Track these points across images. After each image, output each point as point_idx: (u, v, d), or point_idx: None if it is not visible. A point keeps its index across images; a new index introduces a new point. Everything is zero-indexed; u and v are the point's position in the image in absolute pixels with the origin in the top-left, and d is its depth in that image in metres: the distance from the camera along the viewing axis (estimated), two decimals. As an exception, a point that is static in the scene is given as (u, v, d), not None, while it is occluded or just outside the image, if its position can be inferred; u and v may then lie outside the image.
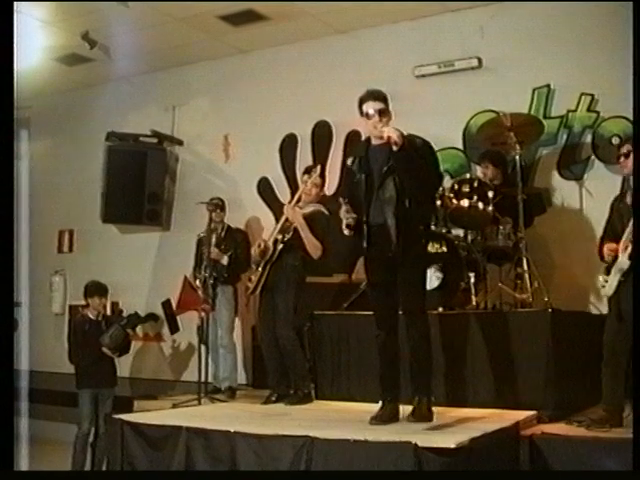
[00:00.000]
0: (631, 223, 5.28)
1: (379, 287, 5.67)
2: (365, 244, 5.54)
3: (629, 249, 5.28)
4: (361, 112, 5.68)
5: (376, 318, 5.69)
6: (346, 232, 5.57)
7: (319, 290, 7.73)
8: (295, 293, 6.94)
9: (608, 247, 5.48)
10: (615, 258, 5.42)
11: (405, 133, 5.47)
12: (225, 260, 8.10)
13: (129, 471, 5.43)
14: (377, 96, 5.66)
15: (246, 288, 7.32)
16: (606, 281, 5.47)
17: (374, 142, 5.66)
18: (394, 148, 5.34)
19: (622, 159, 5.65)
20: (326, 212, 6.98)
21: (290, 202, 7.20)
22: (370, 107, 5.59)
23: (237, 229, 8.53)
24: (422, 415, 5.40)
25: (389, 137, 5.32)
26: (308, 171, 7.22)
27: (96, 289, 8.29)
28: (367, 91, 5.73)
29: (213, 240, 8.27)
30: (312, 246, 6.82)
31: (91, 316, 8.20)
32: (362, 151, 5.74)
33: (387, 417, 5.43)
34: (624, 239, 5.34)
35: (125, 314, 9.32)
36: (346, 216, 5.53)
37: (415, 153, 5.45)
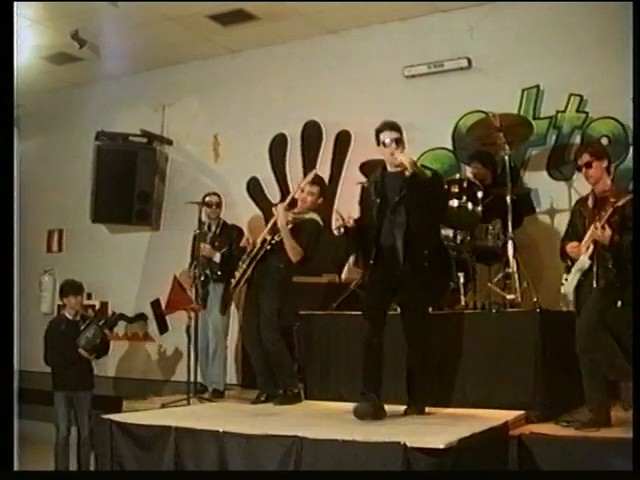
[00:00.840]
0: (592, 225, 5.40)
1: (378, 298, 6.01)
2: (372, 262, 5.93)
3: (590, 249, 5.43)
4: (378, 142, 6.05)
5: (365, 320, 5.97)
6: (336, 232, 6.09)
7: (308, 290, 7.73)
8: (279, 295, 6.94)
9: (571, 245, 5.61)
10: (572, 260, 5.59)
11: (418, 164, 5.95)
12: (217, 257, 8.08)
13: (130, 471, 5.40)
14: (393, 126, 6.02)
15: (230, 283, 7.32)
16: (566, 280, 5.62)
17: (390, 169, 6.07)
18: (406, 173, 5.82)
19: (584, 170, 5.74)
20: (320, 222, 7.00)
21: (281, 202, 7.19)
22: (387, 136, 5.99)
23: (233, 225, 8.49)
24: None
25: (402, 162, 5.80)
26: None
27: (71, 288, 8.07)
28: (384, 122, 6.08)
29: (209, 235, 8.29)
30: (291, 249, 6.82)
31: (68, 316, 7.99)
32: (378, 177, 6.12)
33: (367, 411, 5.63)
34: (586, 240, 5.46)
35: (113, 314, 9.32)
36: (347, 220, 5.98)
37: (425, 182, 5.82)
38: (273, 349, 6.87)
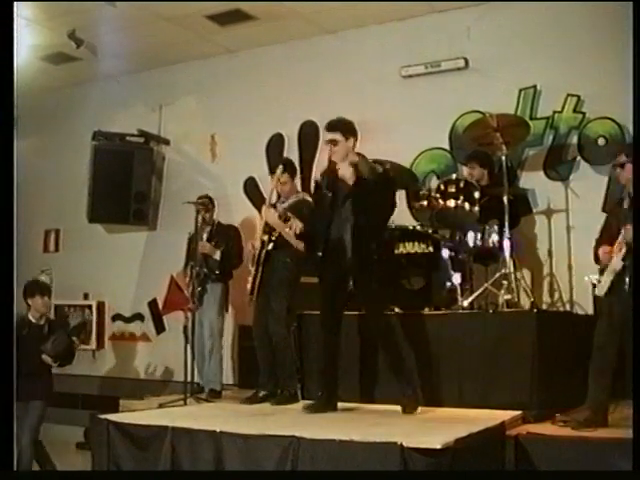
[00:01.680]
0: (627, 227, 5.31)
1: (329, 293, 6.17)
2: (321, 254, 6.09)
3: (623, 251, 5.34)
4: None
5: (321, 319, 6.23)
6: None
7: (305, 291, 7.72)
8: (288, 291, 6.94)
9: (603, 250, 5.53)
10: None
11: (369, 159, 6.03)
12: (218, 255, 8.07)
13: (129, 471, 5.40)
14: (331, 126, 6.09)
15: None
16: (599, 281, 5.55)
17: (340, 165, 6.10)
18: (349, 182, 5.94)
19: (618, 170, 5.67)
20: (309, 198, 6.99)
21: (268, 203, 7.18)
22: (326, 137, 6.10)
23: (228, 225, 8.48)
24: (412, 406, 5.87)
25: (329, 158, 6.05)
26: (273, 170, 7.28)
27: (37, 287, 7.61)
28: (328, 121, 6.14)
29: (204, 236, 8.28)
30: (295, 242, 6.83)
31: (32, 319, 7.44)
32: (328, 172, 6.21)
33: (320, 408, 5.99)
34: (619, 241, 5.39)
35: (111, 314, 9.32)
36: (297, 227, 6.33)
37: (372, 184, 5.89)
38: (282, 345, 6.88)
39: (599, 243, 5.72)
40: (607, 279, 5.46)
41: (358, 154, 6.08)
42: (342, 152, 6.00)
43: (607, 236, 5.65)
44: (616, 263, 5.39)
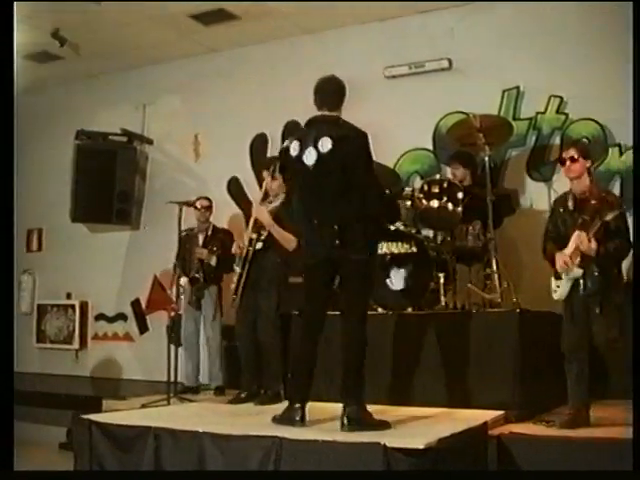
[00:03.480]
0: (574, 234, 5.47)
1: (314, 293, 5.71)
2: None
3: (578, 259, 5.47)
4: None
5: (303, 323, 5.75)
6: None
7: (292, 290, 7.72)
8: (277, 291, 6.94)
9: (561, 259, 5.56)
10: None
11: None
12: (214, 261, 8.10)
13: (132, 471, 5.38)
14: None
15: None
16: (558, 287, 5.66)
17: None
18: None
19: (568, 163, 5.72)
20: None
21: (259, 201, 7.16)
22: None
23: (223, 229, 8.52)
24: (355, 420, 5.15)
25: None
26: (267, 167, 7.19)
27: None
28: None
29: (200, 238, 8.30)
30: (285, 241, 6.77)
31: None
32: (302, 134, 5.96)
33: (291, 417, 5.34)
34: (572, 251, 5.49)
35: (94, 314, 9.24)
36: None
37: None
38: (270, 345, 6.89)
39: (546, 241, 5.88)
40: (566, 285, 5.59)
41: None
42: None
43: (555, 235, 5.80)
44: (575, 272, 5.52)
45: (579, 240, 5.43)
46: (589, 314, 5.53)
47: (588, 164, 5.73)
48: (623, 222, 5.54)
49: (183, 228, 8.13)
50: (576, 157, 5.68)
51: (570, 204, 5.70)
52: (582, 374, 5.55)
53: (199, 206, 8.35)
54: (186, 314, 8.24)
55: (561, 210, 5.79)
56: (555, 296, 5.69)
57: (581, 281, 5.51)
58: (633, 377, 4.89)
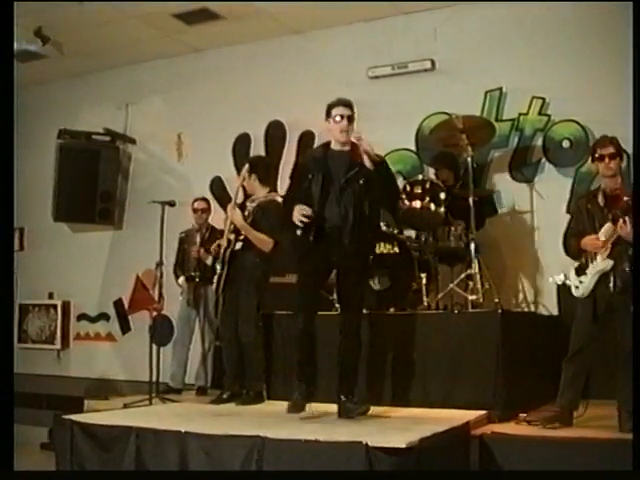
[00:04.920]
0: (607, 225, 5.32)
1: (310, 285, 5.89)
2: (312, 238, 5.71)
3: (608, 250, 5.31)
4: (328, 116, 5.89)
5: (298, 309, 5.90)
6: (299, 232, 5.80)
7: (273, 290, 7.72)
8: (257, 290, 6.91)
9: (590, 238, 5.42)
10: (586, 260, 5.46)
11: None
12: (210, 260, 8.08)
13: (133, 471, 5.35)
14: (346, 103, 5.88)
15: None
16: (581, 282, 5.47)
17: (334, 147, 5.90)
18: (367, 164, 5.74)
19: (607, 160, 5.52)
20: (278, 199, 6.86)
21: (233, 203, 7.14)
22: (340, 112, 5.81)
23: (221, 230, 8.48)
24: (357, 411, 5.59)
25: (366, 151, 5.72)
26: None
27: None
28: (338, 98, 5.93)
29: (197, 239, 8.32)
30: (259, 242, 6.79)
31: None
32: (320, 153, 5.97)
33: (300, 408, 5.70)
34: (603, 239, 5.33)
35: (76, 313, 9.21)
36: (301, 216, 5.71)
37: (378, 167, 5.77)
38: (251, 345, 6.85)
39: (567, 236, 5.72)
40: (592, 280, 5.41)
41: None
42: (351, 131, 5.80)
43: (576, 231, 5.63)
44: (605, 263, 5.33)
45: (617, 226, 5.21)
46: (612, 313, 5.37)
47: (622, 163, 5.60)
48: None
49: (182, 230, 8.17)
50: (615, 153, 5.52)
51: (600, 200, 5.52)
52: (580, 376, 5.50)
53: (197, 208, 8.39)
54: (180, 314, 8.22)
55: (589, 207, 5.60)
56: (576, 293, 5.50)
57: (610, 277, 5.33)
58: (633, 377, 4.88)
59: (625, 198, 5.31)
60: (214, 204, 9.06)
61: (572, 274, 5.55)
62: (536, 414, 5.73)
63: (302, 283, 5.95)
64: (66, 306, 10.46)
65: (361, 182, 5.72)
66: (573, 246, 5.64)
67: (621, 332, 5.32)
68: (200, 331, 8.27)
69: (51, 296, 10.63)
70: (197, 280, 8.18)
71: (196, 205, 8.44)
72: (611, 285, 5.33)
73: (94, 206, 10.03)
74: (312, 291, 5.91)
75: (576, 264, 5.56)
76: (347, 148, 5.82)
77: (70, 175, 9.99)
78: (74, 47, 9.62)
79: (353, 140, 5.73)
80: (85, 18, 8.73)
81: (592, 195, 5.72)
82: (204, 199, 8.56)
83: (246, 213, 6.93)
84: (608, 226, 5.33)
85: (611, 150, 5.54)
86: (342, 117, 5.79)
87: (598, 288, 5.41)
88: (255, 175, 7.08)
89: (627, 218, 5.18)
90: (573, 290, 5.55)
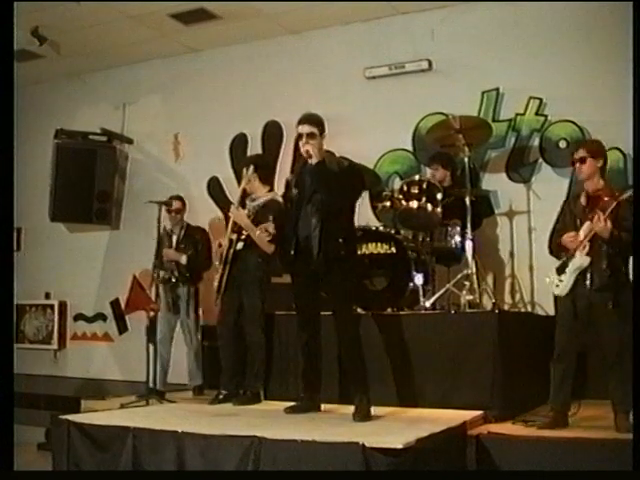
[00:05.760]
0: (586, 223, 5.35)
1: (303, 295, 6.12)
2: (292, 252, 5.96)
3: (587, 248, 5.33)
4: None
5: (299, 321, 6.19)
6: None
7: (272, 290, 7.71)
8: (261, 290, 6.92)
9: (568, 235, 5.46)
10: (567, 258, 5.46)
11: (336, 154, 6.02)
12: (184, 259, 8.05)
13: (130, 471, 5.35)
14: (309, 120, 5.99)
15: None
16: (561, 281, 5.48)
17: (310, 162, 6.02)
18: (310, 161, 5.95)
19: (577, 165, 5.59)
20: (279, 199, 6.82)
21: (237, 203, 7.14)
22: (299, 130, 5.98)
23: (197, 227, 8.44)
24: (364, 414, 5.62)
25: (307, 151, 5.92)
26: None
27: None
28: (303, 114, 6.05)
29: (174, 238, 8.27)
30: (262, 243, 6.78)
31: None
32: (298, 169, 6.23)
33: (302, 409, 6.03)
34: (581, 238, 5.36)
35: (73, 314, 9.20)
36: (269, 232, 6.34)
37: (336, 171, 5.89)
38: (256, 345, 6.86)
39: (553, 237, 5.75)
40: (570, 278, 5.42)
41: (327, 151, 6.04)
42: (317, 146, 5.92)
43: (562, 231, 5.63)
44: (582, 260, 5.35)
45: (593, 222, 5.25)
46: (592, 312, 5.39)
47: (599, 164, 5.57)
48: (631, 214, 5.27)
49: (162, 228, 8.11)
50: (585, 157, 5.54)
51: (583, 200, 5.56)
52: (568, 375, 5.50)
53: (172, 207, 8.25)
54: (161, 316, 8.16)
55: (572, 208, 5.66)
56: (556, 291, 5.52)
57: (588, 275, 5.36)
58: (633, 377, 4.90)
59: (606, 198, 5.37)
60: (212, 204, 9.08)
61: (553, 273, 5.57)
62: (533, 415, 5.77)
63: (296, 297, 6.18)
64: (63, 306, 10.45)
65: (324, 190, 5.87)
66: (555, 245, 5.68)
67: (606, 331, 5.36)
68: (182, 332, 8.20)
69: (48, 296, 10.62)
70: (173, 281, 8.11)
71: (174, 204, 8.28)
72: (587, 282, 5.37)
73: (91, 206, 10.02)
74: (307, 302, 6.12)
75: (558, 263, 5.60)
76: (318, 161, 5.94)
77: (67, 175, 9.97)
78: (71, 47, 9.62)
79: (309, 151, 5.91)
80: (82, 18, 8.74)
81: (576, 196, 5.77)
82: (179, 198, 8.40)
83: (246, 212, 6.92)
84: (587, 224, 5.36)
85: (581, 154, 5.59)
86: (301, 135, 5.96)
87: (577, 286, 5.43)
88: (256, 174, 7.08)
89: (601, 214, 5.23)
90: (554, 289, 5.56)
